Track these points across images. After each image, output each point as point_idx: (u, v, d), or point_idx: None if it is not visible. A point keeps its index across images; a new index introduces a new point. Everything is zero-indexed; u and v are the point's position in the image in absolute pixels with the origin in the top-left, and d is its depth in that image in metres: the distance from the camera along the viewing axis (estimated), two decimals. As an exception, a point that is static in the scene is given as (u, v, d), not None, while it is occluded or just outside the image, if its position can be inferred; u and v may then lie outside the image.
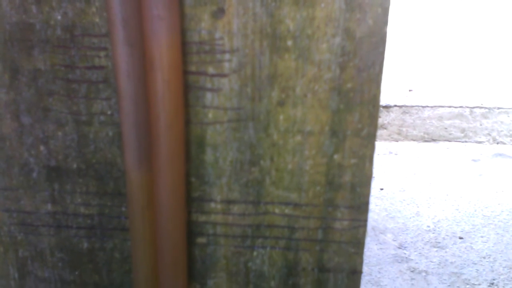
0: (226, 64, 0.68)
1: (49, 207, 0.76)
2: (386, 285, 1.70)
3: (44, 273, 0.80)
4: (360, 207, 0.74)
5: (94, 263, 0.80)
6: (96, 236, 0.78)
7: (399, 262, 1.83)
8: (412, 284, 1.71)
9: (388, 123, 3.25)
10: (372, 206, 2.22)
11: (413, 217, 2.12)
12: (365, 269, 1.79)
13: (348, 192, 0.73)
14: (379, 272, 1.77)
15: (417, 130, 3.16)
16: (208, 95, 0.69)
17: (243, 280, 0.79)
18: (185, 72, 0.69)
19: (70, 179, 0.74)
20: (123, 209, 0.76)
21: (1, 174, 0.75)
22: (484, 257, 1.83)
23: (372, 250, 1.93)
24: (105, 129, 0.71)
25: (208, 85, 0.68)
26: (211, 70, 0.68)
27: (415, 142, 3.06)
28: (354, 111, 0.69)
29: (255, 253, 0.78)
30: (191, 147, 0.72)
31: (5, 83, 0.70)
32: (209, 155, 0.72)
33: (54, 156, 0.73)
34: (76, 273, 0.80)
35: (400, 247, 1.94)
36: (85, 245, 0.78)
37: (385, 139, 3.10)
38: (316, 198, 0.74)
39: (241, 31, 0.67)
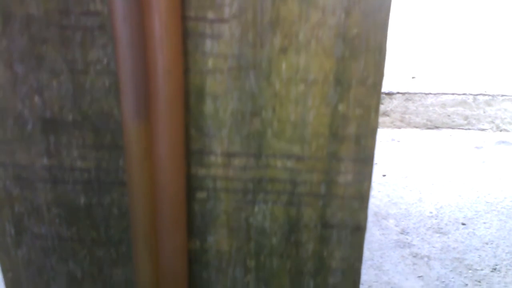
0: (226, 9, 0.65)
1: (44, 160, 0.74)
2: (388, 269, 1.68)
3: (40, 230, 0.78)
4: (365, 160, 0.72)
5: (92, 219, 0.78)
6: (93, 191, 0.76)
7: (401, 248, 1.82)
8: (414, 269, 1.70)
9: (391, 110, 3.23)
10: (374, 192, 2.20)
11: (416, 203, 2.10)
12: (367, 254, 1.77)
13: (353, 144, 0.71)
14: (381, 257, 1.76)
15: (420, 117, 3.13)
16: (208, 42, 0.67)
17: (244, 237, 0.77)
18: (184, 18, 0.66)
19: (65, 131, 0.72)
20: (121, 162, 0.74)
21: (-5, 126, 0.73)
22: (486, 243, 1.81)
23: (374, 235, 1.91)
24: (101, 79, 0.69)
25: (208, 31, 0.66)
26: (210, 15, 0.66)
27: (418, 129, 3.03)
28: (360, 59, 0.66)
29: (256, 209, 0.76)
30: (190, 97, 0.70)
31: (-2, 29, 0.67)
32: (208, 106, 0.70)
33: (49, 107, 0.71)
34: (73, 229, 0.78)
35: (403, 232, 1.93)
36: (82, 200, 0.77)
37: (388, 126, 3.08)
38: (320, 151, 0.72)
39: (242, -26, 0.64)
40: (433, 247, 1.81)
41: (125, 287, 0.83)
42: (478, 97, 3.25)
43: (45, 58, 0.68)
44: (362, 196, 0.74)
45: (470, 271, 1.67)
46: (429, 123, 3.17)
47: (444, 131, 3.06)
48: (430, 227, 1.94)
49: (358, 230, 0.76)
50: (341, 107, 0.69)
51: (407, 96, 3.32)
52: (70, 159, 0.74)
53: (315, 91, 0.68)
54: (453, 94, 3.29)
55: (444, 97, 3.26)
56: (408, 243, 1.85)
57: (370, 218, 2.01)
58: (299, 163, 0.72)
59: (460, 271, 1.67)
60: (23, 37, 0.68)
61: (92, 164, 0.74)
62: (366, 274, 1.66)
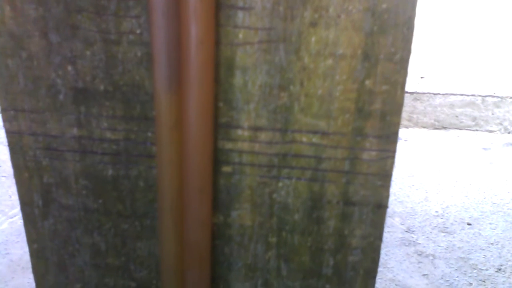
0: (259, -17, 0.67)
1: (75, 131, 0.76)
2: (393, 267, 1.68)
3: (68, 201, 0.80)
4: (390, 137, 0.73)
5: (118, 191, 0.79)
6: (121, 162, 0.77)
7: (407, 246, 1.82)
8: (419, 267, 1.70)
9: (399, 109, 3.23)
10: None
11: (422, 202, 2.10)
12: (372, 251, 1.77)
13: (378, 120, 0.72)
14: (386, 255, 1.76)
15: (427, 117, 3.13)
16: (240, 14, 0.68)
17: (267, 212, 0.78)
18: (217, -9, 0.67)
19: (96, 101, 0.74)
20: (149, 134, 0.75)
21: (28, 95, 0.74)
22: (492, 244, 1.81)
23: (380, 233, 1.91)
24: (133, 49, 0.71)
25: (240, 3, 0.67)
26: (243, -12, 0.67)
27: (425, 129, 3.03)
28: (388, 34, 0.67)
29: (280, 184, 0.77)
30: (220, 70, 0.71)
31: (34, -2, 0.69)
32: (238, 79, 0.71)
33: (82, 77, 0.72)
34: (100, 201, 0.80)
35: (408, 231, 1.93)
36: (110, 172, 0.78)
37: (396, 125, 3.08)
38: (345, 127, 0.73)
39: (274, -51, 0.65)
40: (438, 246, 1.81)
41: (148, 260, 0.84)
42: (487, 98, 3.25)
43: (79, 27, 0.70)
44: (385, 174, 0.75)
45: (475, 271, 1.67)
46: (436, 123, 3.17)
47: (451, 131, 3.06)
48: (435, 226, 1.94)
49: (380, 208, 0.77)
50: (368, 83, 0.70)
51: (415, 95, 3.33)
52: (99, 130, 0.75)
53: (343, 66, 0.69)
54: (461, 95, 3.30)
55: (452, 98, 3.27)
56: (414, 241, 1.85)
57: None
58: (324, 138, 0.74)
59: (464, 271, 1.67)
60: (59, 5, 0.69)
61: (121, 136, 0.75)
62: (371, 271, 1.66)
